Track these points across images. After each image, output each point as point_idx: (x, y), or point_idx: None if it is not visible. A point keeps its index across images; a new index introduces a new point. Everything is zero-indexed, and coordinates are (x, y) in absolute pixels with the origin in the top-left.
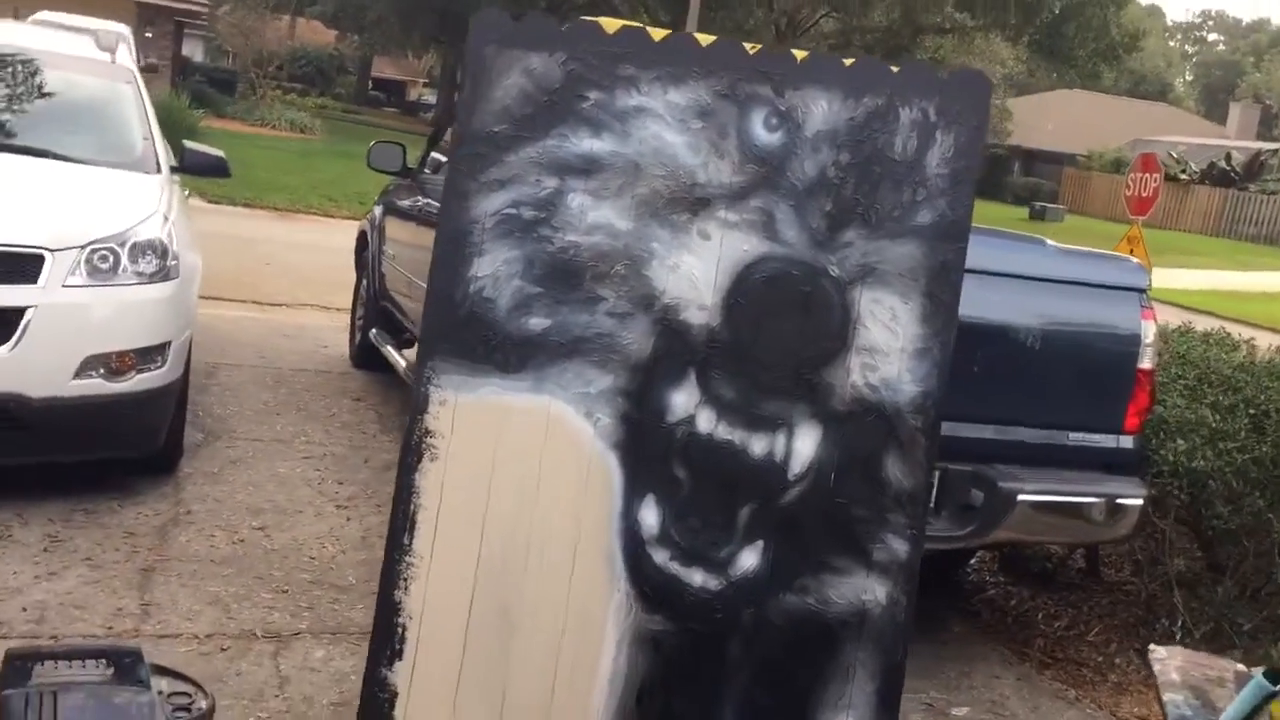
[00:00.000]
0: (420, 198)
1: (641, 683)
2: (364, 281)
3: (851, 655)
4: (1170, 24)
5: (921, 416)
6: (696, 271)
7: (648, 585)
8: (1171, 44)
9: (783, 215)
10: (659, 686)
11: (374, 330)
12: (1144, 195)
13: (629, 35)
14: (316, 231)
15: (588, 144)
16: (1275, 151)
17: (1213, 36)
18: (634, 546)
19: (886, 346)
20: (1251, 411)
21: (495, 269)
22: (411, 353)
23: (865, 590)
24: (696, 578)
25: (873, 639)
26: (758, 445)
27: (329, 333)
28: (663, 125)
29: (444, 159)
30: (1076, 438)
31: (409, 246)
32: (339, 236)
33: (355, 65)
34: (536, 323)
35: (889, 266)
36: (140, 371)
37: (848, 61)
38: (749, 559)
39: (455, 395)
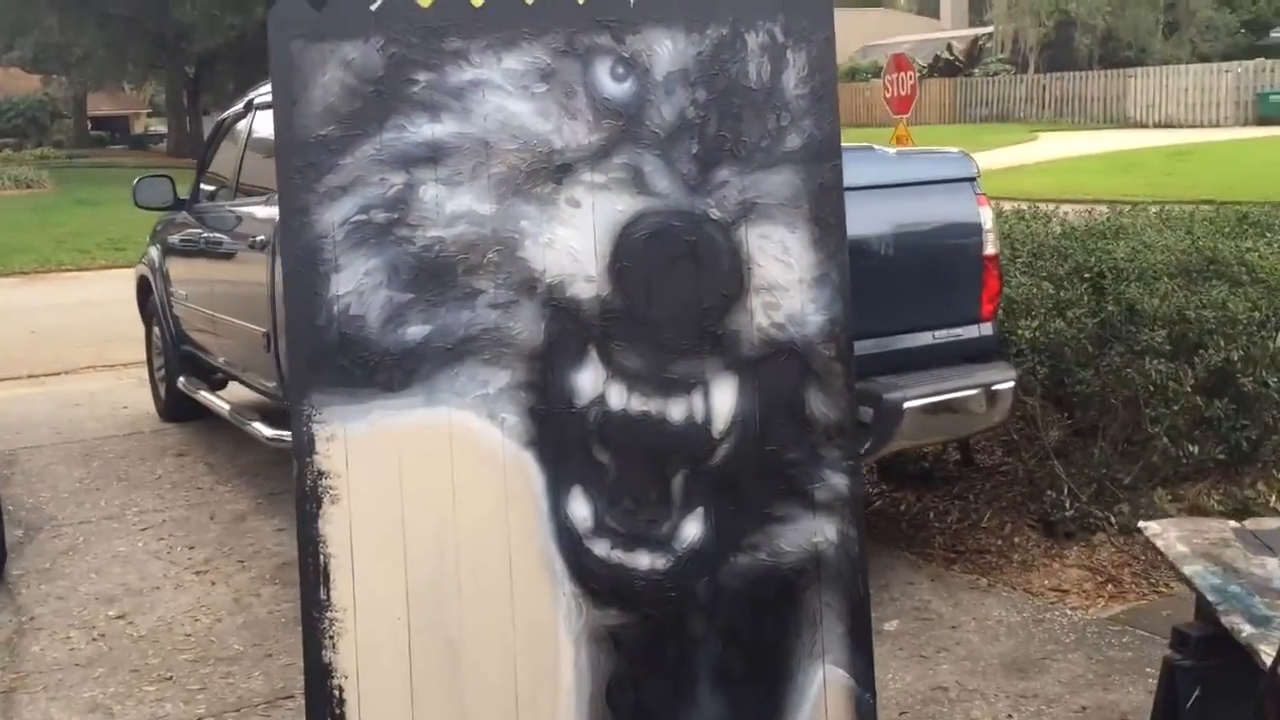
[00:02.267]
0: (203, 230)
1: (608, 683)
2: (156, 330)
3: (815, 601)
4: None
5: (833, 345)
6: (574, 243)
7: (593, 581)
8: None
9: (650, 166)
10: (627, 681)
11: (182, 379)
12: (902, 94)
13: (446, 5)
14: (74, 288)
15: (428, 130)
16: (989, 35)
17: None
18: (571, 544)
19: (784, 281)
20: (1087, 275)
21: (357, 283)
22: (230, 393)
23: (815, 533)
24: (643, 561)
25: (832, 579)
26: (676, 410)
27: (123, 391)
28: (504, 95)
29: (213, 187)
30: (941, 335)
31: (201, 282)
32: (101, 288)
33: (70, 107)
34: (415, 331)
35: (769, 199)
36: None
37: None
38: (692, 529)
39: (343, 428)
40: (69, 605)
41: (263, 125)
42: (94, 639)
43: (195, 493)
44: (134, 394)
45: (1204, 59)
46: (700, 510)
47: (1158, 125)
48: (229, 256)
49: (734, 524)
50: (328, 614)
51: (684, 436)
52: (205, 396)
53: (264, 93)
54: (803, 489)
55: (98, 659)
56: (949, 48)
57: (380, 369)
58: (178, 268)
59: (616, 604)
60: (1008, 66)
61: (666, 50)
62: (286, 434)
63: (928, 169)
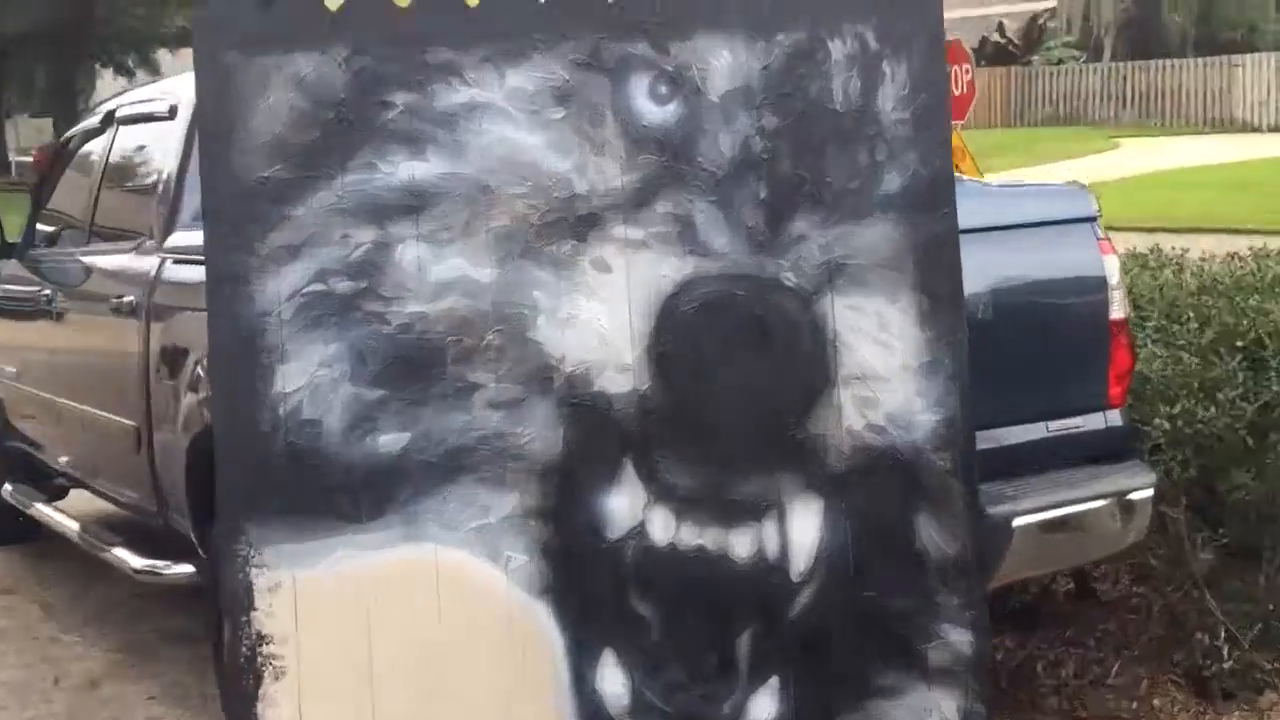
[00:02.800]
0: (41, 285)
1: None
2: None
3: None
4: None
5: (948, 452)
6: (603, 320)
7: None
8: None
9: (704, 216)
10: None
11: (8, 486)
12: (958, 94)
13: (431, 5)
14: None
15: (406, 169)
16: (1052, 12)
17: None
18: None
19: (883, 368)
20: (1240, 345)
21: (311, 375)
22: (75, 504)
23: (929, 710)
24: None
25: None
26: (741, 545)
27: None
28: (508, 123)
29: (55, 228)
30: (1056, 426)
31: (38, 355)
32: None
33: None
34: (389, 440)
35: (862, 259)
36: None
37: None
38: (764, 707)
39: (291, 574)
40: None
41: (128, 144)
42: None
43: (31, 644)
44: None
45: None
46: (775, 681)
47: (1273, 129)
48: (82, 323)
49: (820, 699)
50: None
51: (752, 580)
52: (42, 511)
53: (132, 102)
54: (913, 649)
55: None
56: (1000, 28)
57: (342, 492)
58: (4, 335)
59: None
60: (1076, 53)
61: (724, 62)
62: (161, 564)
63: (1036, 207)
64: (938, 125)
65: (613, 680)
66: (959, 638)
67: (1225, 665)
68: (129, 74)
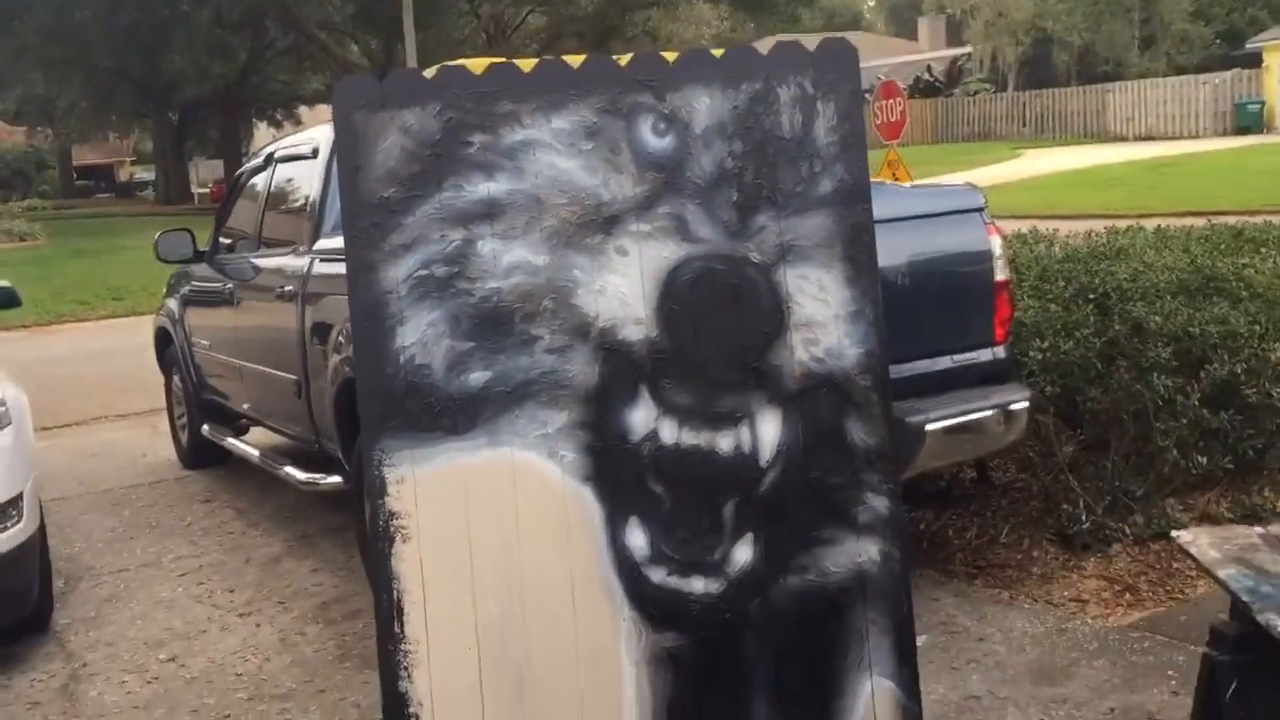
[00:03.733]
0: (225, 281)
1: (668, 703)
2: (176, 379)
3: (861, 617)
4: None
5: (870, 375)
6: (624, 289)
7: (652, 606)
8: None
9: (693, 215)
10: (687, 701)
11: (206, 426)
12: (892, 120)
13: (498, 72)
14: (77, 340)
15: (484, 188)
16: (968, 55)
17: None
18: (629, 572)
19: (822, 317)
20: (1092, 296)
21: (421, 334)
22: (255, 438)
23: (859, 553)
24: (697, 586)
25: (877, 596)
26: (724, 442)
27: (139, 441)
28: (554, 153)
29: (232, 239)
30: (958, 359)
31: (225, 332)
32: (104, 339)
33: (55, 158)
34: (477, 377)
35: (805, 241)
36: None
37: (717, 53)
38: (743, 554)
39: (412, 470)
40: (119, 651)
41: (283, 178)
42: (148, 682)
43: (228, 538)
44: (150, 443)
45: (1180, 71)
46: (750, 536)
47: (1138, 138)
48: (255, 307)
49: (782, 547)
50: (402, 646)
51: (733, 467)
52: (232, 443)
53: (285, 146)
54: (846, 512)
55: (155, 701)
56: (929, 69)
57: (446, 413)
58: (199, 318)
59: (674, 627)
60: (987, 85)
61: (704, 106)
62: (319, 476)
63: (939, 202)
64: (857, 145)
65: (637, 539)
66: (879, 504)
67: (1084, 526)
68: (278, 125)
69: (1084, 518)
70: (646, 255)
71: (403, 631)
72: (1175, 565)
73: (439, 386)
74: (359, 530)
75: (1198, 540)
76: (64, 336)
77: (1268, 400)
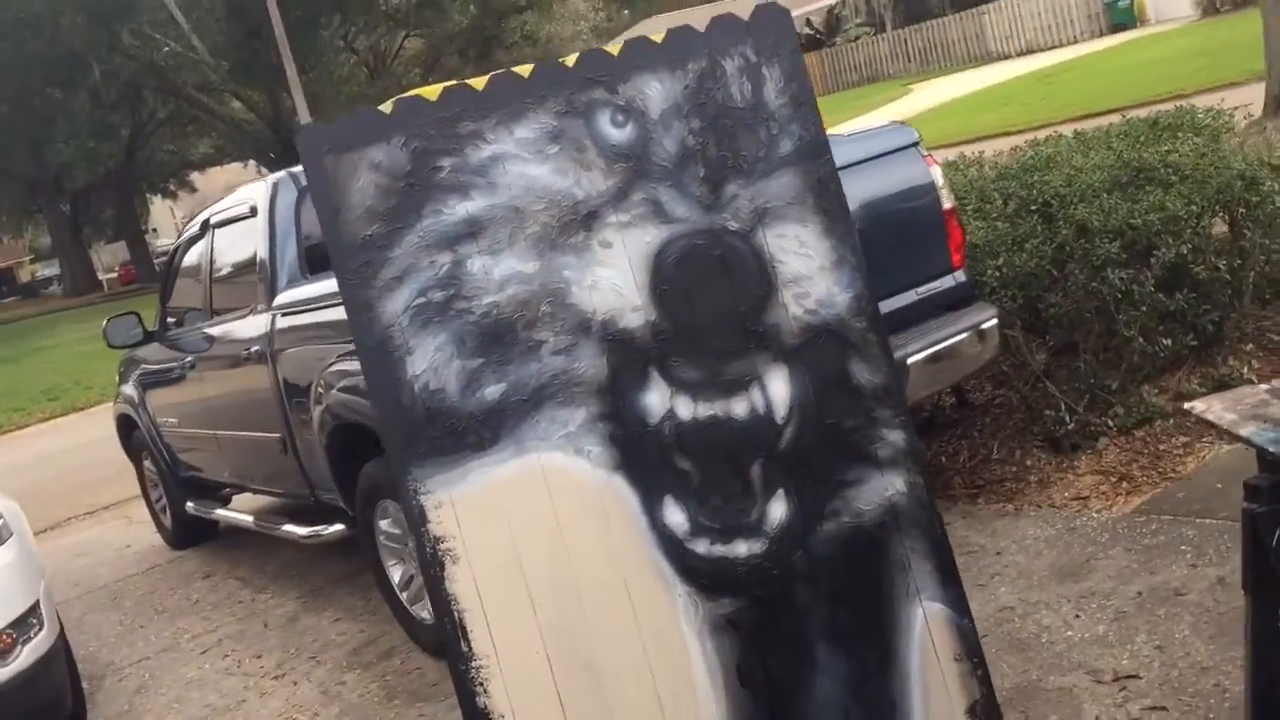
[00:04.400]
0: (182, 356)
1: (737, 665)
2: (148, 463)
3: (900, 548)
4: None
5: (864, 317)
6: (616, 279)
7: (702, 577)
8: None
9: (667, 196)
10: (753, 660)
11: (190, 504)
12: None
13: (453, 94)
14: (20, 447)
15: (462, 208)
16: (842, 2)
17: None
18: (674, 549)
19: (807, 271)
20: (1033, 208)
21: (431, 360)
22: (249, 502)
23: (885, 487)
24: (741, 549)
25: (911, 525)
26: (739, 407)
27: (117, 533)
28: (522, 163)
29: (180, 313)
30: (923, 290)
31: (191, 405)
32: (49, 442)
33: None
34: (492, 391)
35: (777, 201)
36: (23, 644)
37: (657, 38)
38: (777, 510)
39: (448, 493)
40: None
41: (224, 243)
42: None
43: (239, 607)
44: (130, 532)
45: None
46: (780, 492)
47: (1019, 54)
48: (222, 375)
49: (813, 497)
50: (473, 664)
51: (751, 429)
52: (223, 514)
53: (219, 211)
54: (866, 451)
55: None
56: (808, 22)
57: (469, 432)
58: (162, 398)
59: (727, 593)
60: (867, 29)
61: (656, 91)
62: (321, 529)
63: (875, 144)
64: (808, 102)
65: (675, 516)
66: (895, 437)
67: (1069, 427)
68: (173, 196)
69: (1068, 419)
70: (630, 243)
71: (470, 649)
72: (1162, 447)
73: (457, 407)
74: (375, 568)
75: (1211, 408)
76: (4, 446)
77: (1216, 273)
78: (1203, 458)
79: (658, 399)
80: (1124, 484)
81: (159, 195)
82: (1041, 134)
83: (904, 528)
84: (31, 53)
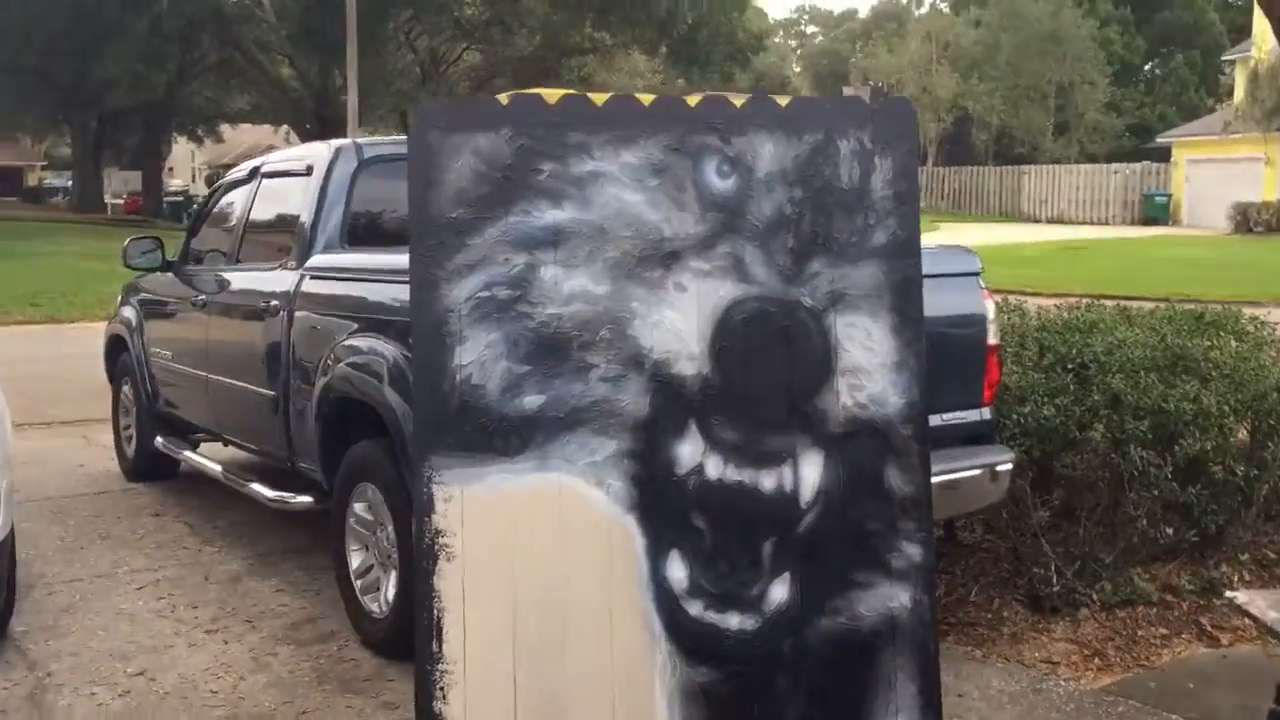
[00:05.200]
0: (194, 292)
1: None
2: (126, 389)
3: (890, 662)
4: (773, 21)
5: (911, 425)
6: (679, 324)
7: (687, 639)
8: (777, 40)
9: (750, 256)
10: None
11: (160, 439)
12: None
13: (572, 103)
14: None
15: (550, 215)
16: None
17: (810, 29)
18: (668, 604)
19: (868, 365)
20: (1071, 366)
21: (479, 354)
22: (216, 451)
23: (891, 598)
24: (733, 621)
25: (906, 642)
26: (768, 480)
27: (72, 451)
28: (620, 186)
29: (206, 250)
30: (948, 418)
31: (190, 343)
32: (21, 346)
33: None
34: (531, 401)
35: (856, 290)
36: None
37: (783, 101)
38: (779, 592)
39: (461, 489)
40: (84, 662)
41: (270, 193)
42: (119, 695)
43: (183, 553)
44: (85, 453)
45: (1091, 159)
46: (787, 575)
47: (1050, 220)
48: (230, 321)
49: (818, 588)
50: (439, 666)
51: (774, 505)
52: (191, 456)
53: (274, 162)
54: (881, 557)
55: (127, 714)
56: None
57: (498, 435)
58: (161, 329)
59: (708, 661)
60: None
61: (768, 151)
62: (289, 496)
63: (941, 263)
64: (912, 202)
65: (677, 570)
66: (913, 551)
67: (1054, 589)
68: (199, 141)
69: (1054, 581)
70: (703, 292)
71: (441, 650)
72: (1141, 633)
73: (493, 408)
74: (336, 551)
75: (1254, 602)
76: None
77: (1232, 477)
78: (1178, 653)
79: (690, 451)
80: (1096, 659)
81: (186, 137)
82: (1056, 301)
83: (899, 644)
84: None
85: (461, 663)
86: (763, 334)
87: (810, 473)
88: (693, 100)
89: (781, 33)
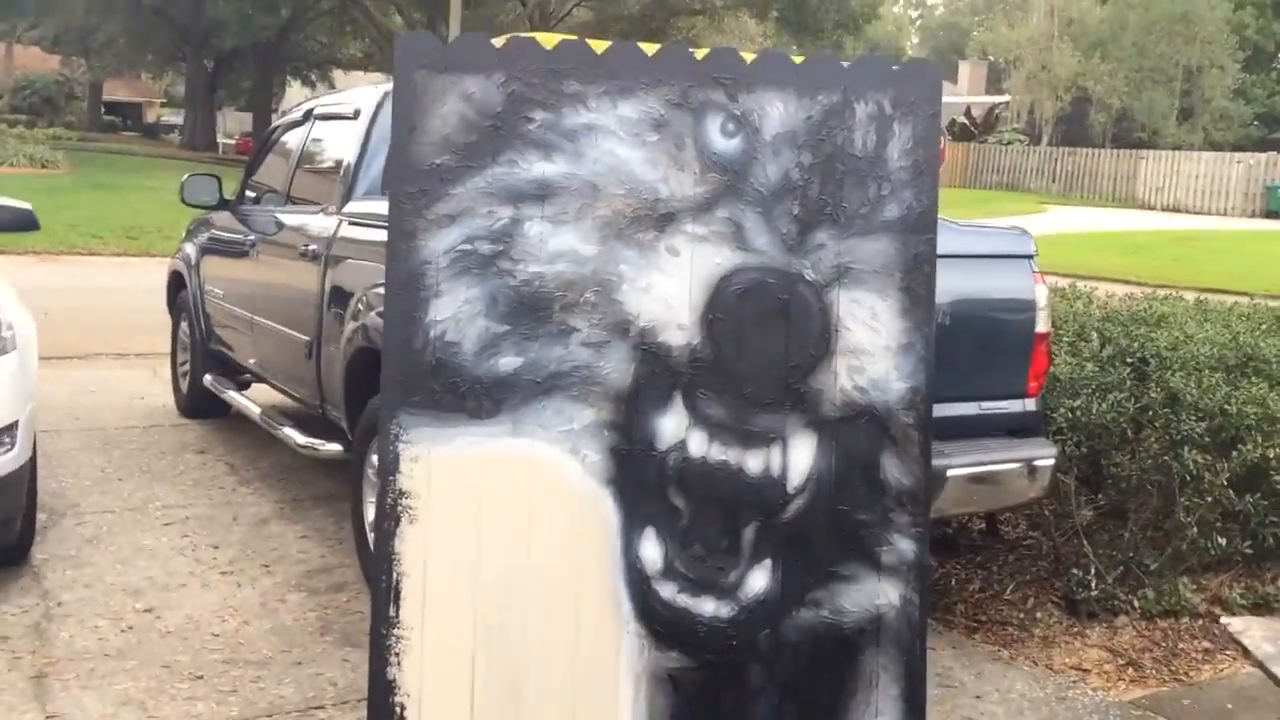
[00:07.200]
0: (247, 232)
1: None
2: (184, 325)
3: (872, 662)
4: None
5: (913, 413)
6: (670, 290)
7: (658, 622)
8: (896, 9)
9: (751, 223)
10: None
11: (209, 376)
12: None
13: (570, 49)
14: (86, 273)
15: (539, 168)
16: (1006, 104)
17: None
18: (639, 584)
19: (870, 346)
20: (1130, 360)
21: (456, 310)
22: (256, 394)
23: (878, 595)
24: (707, 607)
25: (891, 643)
26: (753, 462)
27: (138, 382)
28: (616, 141)
29: (261, 191)
30: (987, 406)
31: (242, 284)
32: (114, 275)
33: (85, 90)
34: (507, 363)
35: (863, 265)
36: None
37: (797, 59)
38: (758, 580)
39: (428, 450)
40: (95, 594)
41: (320, 136)
42: (123, 630)
43: (218, 492)
44: (148, 386)
45: (1215, 147)
46: (768, 562)
47: (1165, 209)
48: (275, 263)
49: (800, 579)
50: (395, 631)
51: (759, 489)
52: (233, 396)
53: (326, 104)
54: (870, 550)
55: (128, 650)
56: (968, 112)
57: (470, 396)
58: (215, 267)
59: (679, 647)
60: (1021, 137)
61: (777, 112)
62: (318, 442)
63: (990, 243)
64: (930, 173)
65: (651, 550)
66: (905, 546)
67: (1093, 594)
68: (311, 85)
69: (1093, 585)
70: (698, 259)
71: (397, 615)
72: (1181, 645)
73: (466, 367)
74: (354, 503)
75: (1249, 630)
76: (73, 268)
77: None
78: (1220, 670)
79: (673, 426)
80: (1130, 669)
81: (299, 81)
82: (1162, 293)
83: (883, 643)
84: None
85: (419, 629)
86: (758, 306)
87: (800, 457)
88: (699, 53)
89: (901, 1)
